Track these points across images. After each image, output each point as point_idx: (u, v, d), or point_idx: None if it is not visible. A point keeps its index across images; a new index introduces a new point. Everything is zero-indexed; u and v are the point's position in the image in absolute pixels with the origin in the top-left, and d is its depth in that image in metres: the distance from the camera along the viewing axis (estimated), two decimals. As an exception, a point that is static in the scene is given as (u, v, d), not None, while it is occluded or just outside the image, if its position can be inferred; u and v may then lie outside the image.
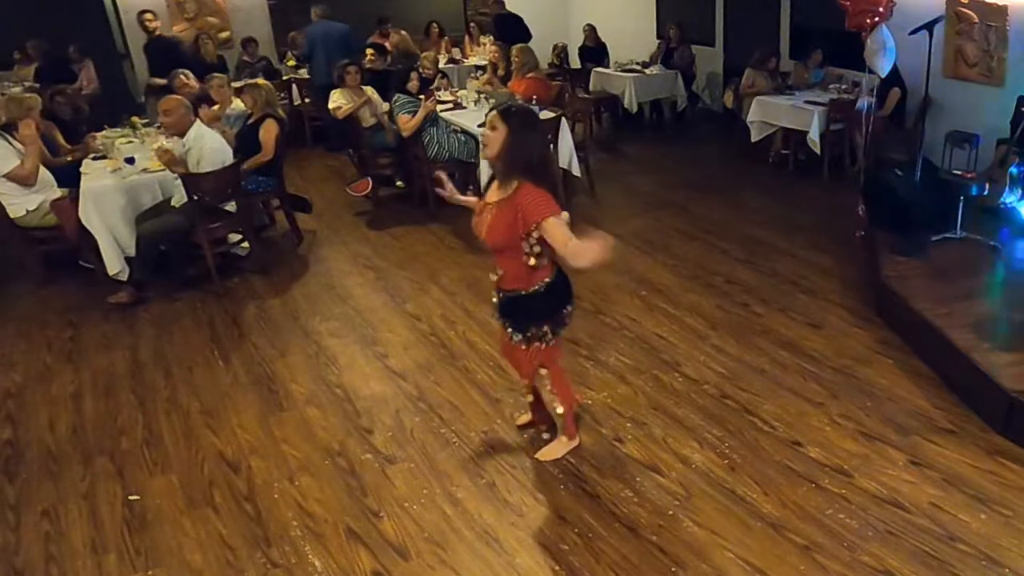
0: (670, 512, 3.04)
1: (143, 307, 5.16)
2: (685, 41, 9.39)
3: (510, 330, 3.07)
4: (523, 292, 2.96)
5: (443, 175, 3.31)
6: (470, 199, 3.28)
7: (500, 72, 8.18)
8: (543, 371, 3.18)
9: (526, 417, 3.59)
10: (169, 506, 3.26)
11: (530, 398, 3.44)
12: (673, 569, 2.77)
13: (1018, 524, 2.88)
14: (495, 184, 2.92)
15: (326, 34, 8.43)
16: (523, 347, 3.06)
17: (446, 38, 10.51)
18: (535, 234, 2.79)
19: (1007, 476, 3.13)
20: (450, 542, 2.96)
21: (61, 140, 6.21)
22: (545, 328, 3.02)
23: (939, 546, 2.79)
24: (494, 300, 3.11)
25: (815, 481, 3.17)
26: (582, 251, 2.65)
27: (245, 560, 2.94)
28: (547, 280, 2.95)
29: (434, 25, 10.29)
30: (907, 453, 3.30)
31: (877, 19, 4.98)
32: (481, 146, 2.91)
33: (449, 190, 3.27)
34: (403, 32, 8.93)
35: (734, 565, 2.77)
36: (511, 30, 9.13)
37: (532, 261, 2.85)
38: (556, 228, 2.72)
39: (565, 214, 2.78)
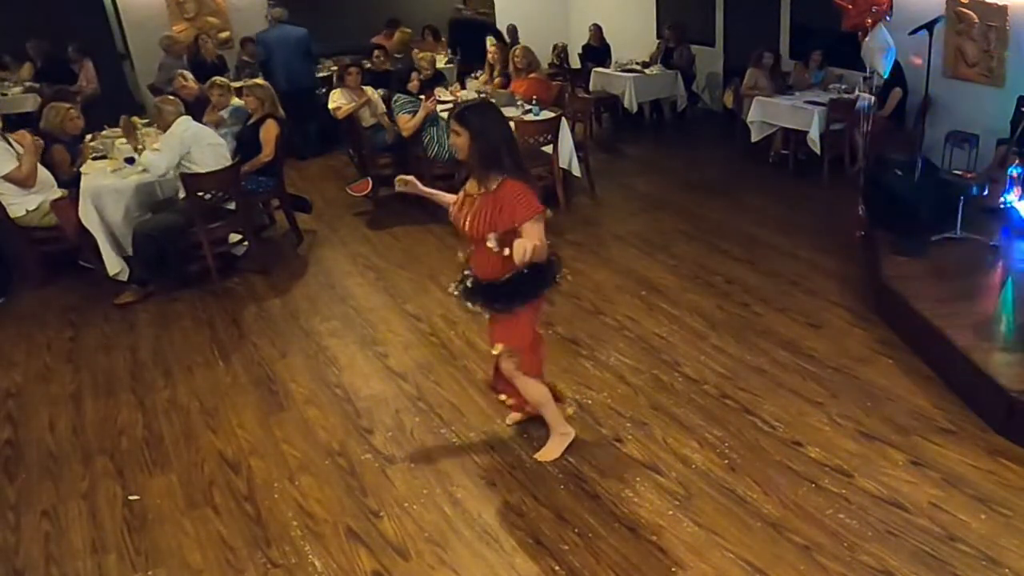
0: (670, 512, 3.04)
1: (143, 307, 5.16)
2: (685, 41, 9.39)
3: (486, 311, 3.07)
4: (496, 281, 2.99)
5: (405, 178, 3.26)
6: (434, 191, 3.36)
7: (496, 74, 8.15)
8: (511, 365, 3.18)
9: (516, 415, 3.61)
10: (169, 506, 3.26)
11: (510, 401, 3.48)
12: (673, 569, 2.77)
13: (1018, 524, 2.88)
14: (473, 178, 2.97)
15: (282, 39, 8.14)
16: (507, 315, 3.04)
17: (442, 39, 10.51)
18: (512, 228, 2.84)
19: (1007, 476, 3.13)
20: (450, 542, 2.97)
21: (64, 167, 6.01)
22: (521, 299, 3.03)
23: (939, 546, 2.79)
24: (463, 285, 3.12)
25: (815, 481, 3.17)
26: (538, 254, 2.73)
27: (245, 560, 2.94)
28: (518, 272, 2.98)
29: (426, 30, 10.30)
30: (907, 453, 3.30)
31: (875, 19, 4.99)
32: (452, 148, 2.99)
33: (410, 185, 3.23)
34: (406, 31, 8.92)
35: (734, 565, 2.77)
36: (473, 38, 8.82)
37: (506, 251, 2.83)
38: (534, 228, 2.82)
39: (548, 212, 2.89)
